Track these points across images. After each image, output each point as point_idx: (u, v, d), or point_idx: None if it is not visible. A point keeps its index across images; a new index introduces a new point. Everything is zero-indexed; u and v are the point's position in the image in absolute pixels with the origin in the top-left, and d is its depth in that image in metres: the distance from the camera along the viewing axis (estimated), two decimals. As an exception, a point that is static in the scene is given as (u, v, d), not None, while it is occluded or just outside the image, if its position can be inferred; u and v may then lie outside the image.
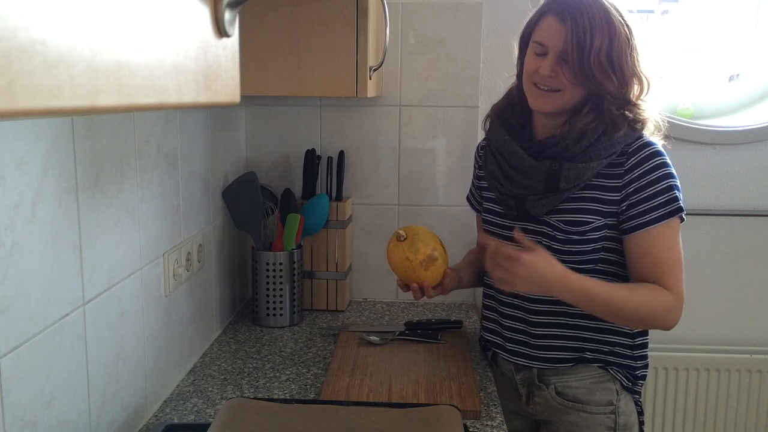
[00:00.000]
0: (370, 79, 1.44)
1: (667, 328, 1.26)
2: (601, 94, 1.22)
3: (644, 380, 1.35)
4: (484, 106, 1.84)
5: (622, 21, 1.22)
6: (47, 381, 0.88)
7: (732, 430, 1.99)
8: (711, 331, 2.01)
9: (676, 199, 1.23)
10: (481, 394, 1.30)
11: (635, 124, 1.25)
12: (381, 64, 1.48)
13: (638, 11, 2.14)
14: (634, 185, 1.23)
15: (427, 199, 1.89)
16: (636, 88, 1.25)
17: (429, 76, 1.83)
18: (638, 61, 1.23)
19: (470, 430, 1.16)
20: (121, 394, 1.10)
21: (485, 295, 1.46)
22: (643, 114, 1.26)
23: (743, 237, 1.96)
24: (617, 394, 1.31)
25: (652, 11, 2.16)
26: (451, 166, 1.87)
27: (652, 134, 1.28)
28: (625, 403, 1.32)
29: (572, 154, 1.24)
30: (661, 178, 1.23)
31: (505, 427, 1.20)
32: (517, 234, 1.24)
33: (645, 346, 1.34)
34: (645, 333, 1.34)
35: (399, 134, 1.86)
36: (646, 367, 1.35)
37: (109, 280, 1.04)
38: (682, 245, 1.26)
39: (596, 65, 1.18)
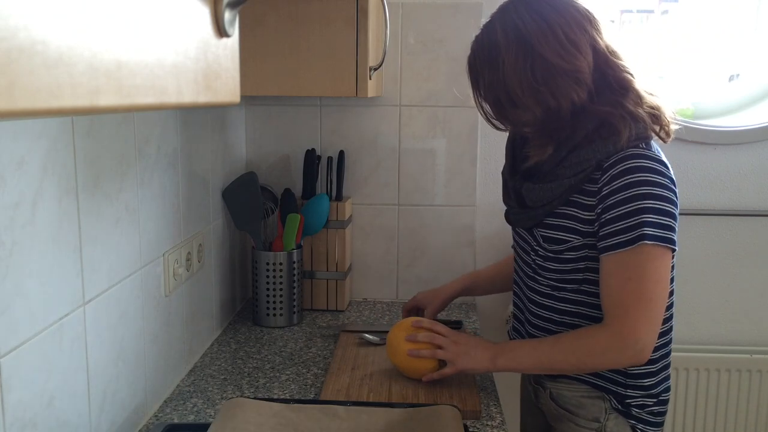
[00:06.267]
0: (370, 79, 1.43)
1: (620, 366, 1.18)
2: (522, 123, 1.19)
3: (641, 409, 1.22)
4: (484, 106, 1.84)
5: (529, 33, 1.10)
6: (47, 381, 0.88)
7: (732, 430, 1.99)
8: (711, 331, 2.01)
9: (643, 224, 1.08)
10: (481, 394, 1.30)
11: (611, 135, 1.11)
12: (381, 64, 1.48)
13: (638, 11, 2.15)
14: (602, 205, 1.12)
15: (427, 199, 1.89)
16: (583, 95, 1.11)
17: (429, 76, 1.83)
18: (562, 68, 1.09)
19: (470, 430, 1.16)
20: (121, 394, 1.10)
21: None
22: (621, 120, 1.11)
23: (743, 237, 1.96)
24: (606, 412, 1.23)
25: (652, 11, 2.17)
26: (451, 166, 1.87)
27: (658, 134, 1.15)
28: (615, 424, 1.22)
29: (543, 172, 1.19)
30: (629, 200, 1.09)
31: (505, 427, 1.20)
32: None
33: (644, 376, 1.22)
34: (648, 362, 1.19)
35: (399, 134, 1.86)
36: (648, 396, 1.23)
37: (109, 280, 1.04)
38: (663, 276, 1.11)
39: (491, 101, 1.18)
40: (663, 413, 1.26)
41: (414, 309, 1.57)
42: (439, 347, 1.26)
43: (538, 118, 1.14)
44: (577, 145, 1.14)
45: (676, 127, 1.20)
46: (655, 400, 1.24)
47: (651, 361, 1.20)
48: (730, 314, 2.00)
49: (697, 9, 2.12)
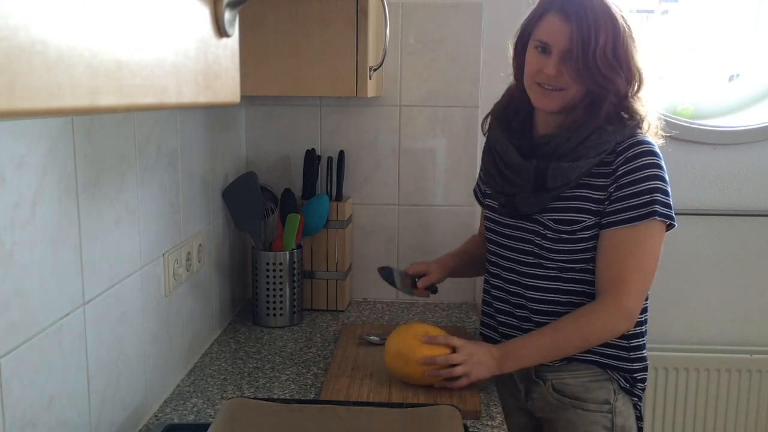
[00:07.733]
0: (370, 79, 1.44)
1: (616, 335, 1.25)
2: (605, 91, 1.20)
3: (643, 384, 1.32)
4: (484, 106, 1.84)
5: (623, 16, 1.21)
6: (47, 381, 0.88)
7: (732, 430, 1.99)
8: (711, 331, 2.01)
9: (655, 202, 1.20)
10: (481, 394, 1.30)
11: (629, 122, 1.23)
12: (381, 64, 1.48)
13: (638, 11, 2.14)
14: (616, 184, 1.22)
15: (427, 199, 1.89)
16: (635, 84, 1.24)
17: (429, 76, 1.83)
18: (638, 57, 1.23)
19: (470, 430, 1.16)
20: (121, 394, 1.10)
21: (485, 290, 1.46)
22: (639, 111, 1.24)
23: (743, 237, 1.96)
24: (614, 393, 1.29)
25: (652, 11, 2.17)
26: (451, 166, 1.87)
27: (647, 133, 1.26)
28: (623, 403, 1.30)
29: (561, 153, 1.24)
30: (644, 179, 1.20)
31: (505, 427, 1.20)
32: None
33: (642, 347, 1.31)
34: (640, 335, 1.30)
35: (399, 134, 1.86)
36: (644, 369, 1.32)
37: (109, 280, 1.04)
38: (658, 251, 1.23)
39: (602, 63, 1.18)
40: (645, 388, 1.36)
41: (417, 272, 1.57)
42: (455, 364, 1.26)
43: (618, 89, 1.21)
44: (598, 127, 1.22)
45: (661, 142, 1.29)
46: (646, 374, 1.33)
47: (641, 334, 1.30)
48: (730, 314, 2.00)
49: (697, 9, 2.12)
